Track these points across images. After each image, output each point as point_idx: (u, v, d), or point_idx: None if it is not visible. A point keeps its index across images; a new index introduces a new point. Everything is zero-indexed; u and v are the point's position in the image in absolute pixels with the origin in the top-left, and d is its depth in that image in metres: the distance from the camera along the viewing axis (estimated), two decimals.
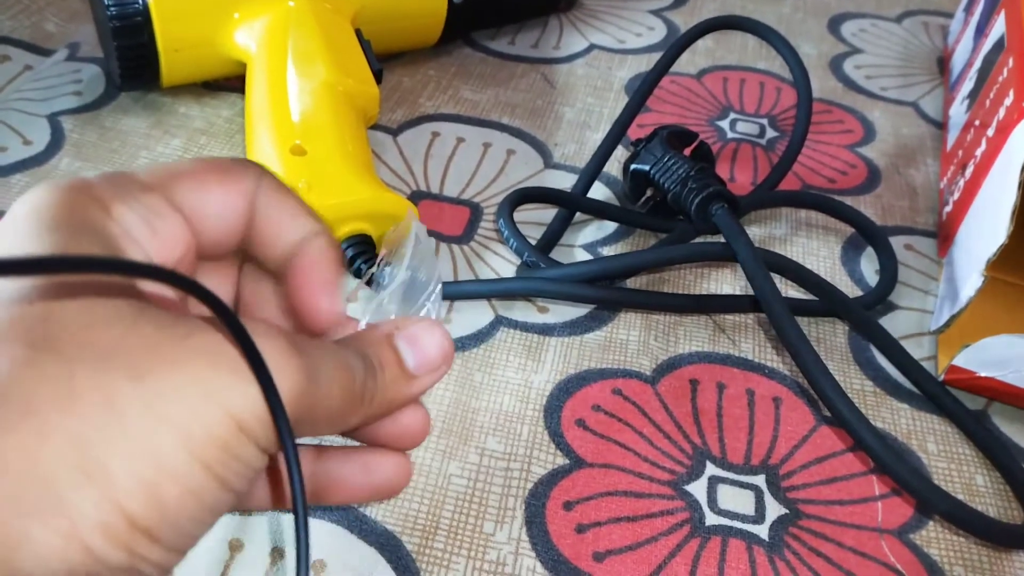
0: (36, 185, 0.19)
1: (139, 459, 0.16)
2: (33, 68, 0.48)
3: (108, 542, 0.15)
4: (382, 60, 0.45)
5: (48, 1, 0.54)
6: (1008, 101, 0.37)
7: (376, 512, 0.30)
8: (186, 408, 0.16)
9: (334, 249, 0.21)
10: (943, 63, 0.54)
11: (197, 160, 0.21)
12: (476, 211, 0.42)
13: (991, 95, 0.41)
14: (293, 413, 0.17)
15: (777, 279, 0.37)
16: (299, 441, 0.18)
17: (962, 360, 0.34)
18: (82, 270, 0.16)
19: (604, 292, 0.35)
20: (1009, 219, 0.32)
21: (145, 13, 0.40)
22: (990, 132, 0.39)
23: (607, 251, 0.40)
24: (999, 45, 0.44)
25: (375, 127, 0.45)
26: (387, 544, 0.29)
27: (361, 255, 0.36)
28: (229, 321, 0.17)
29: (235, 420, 0.16)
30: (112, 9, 0.40)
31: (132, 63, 0.42)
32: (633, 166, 0.38)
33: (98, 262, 0.17)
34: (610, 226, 0.41)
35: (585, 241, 0.40)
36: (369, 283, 0.36)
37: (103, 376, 0.16)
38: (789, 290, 0.38)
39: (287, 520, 0.29)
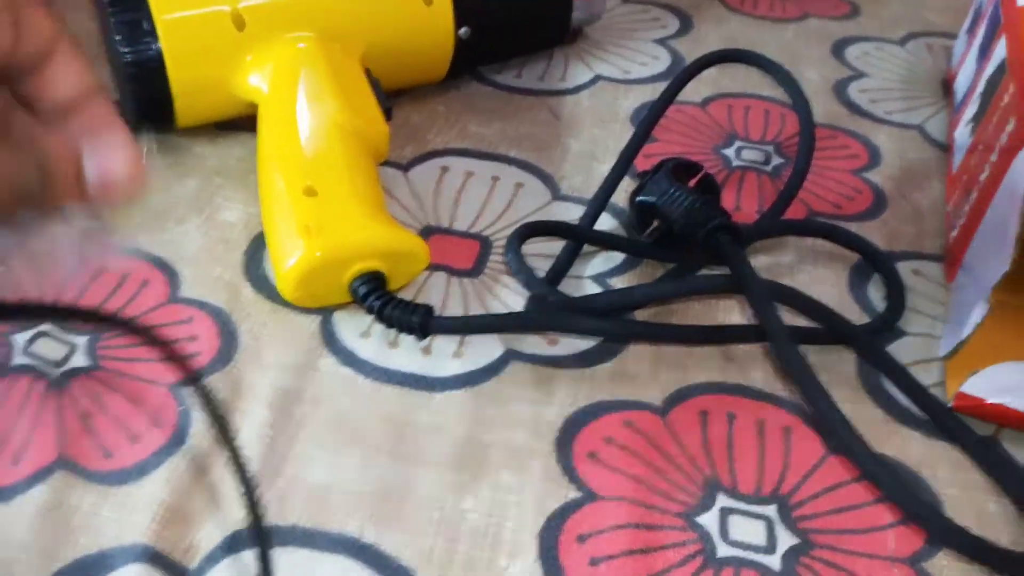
0: None
1: None
2: None
3: None
4: (390, 96, 0.46)
5: None
6: (1010, 127, 0.38)
7: (391, 547, 0.30)
8: None
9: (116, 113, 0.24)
10: (947, 85, 0.55)
11: None
12: (486, 244, 0.42)
13: (994, 119, 0.41)
14: None
15: (786, 308, 0.37)
16: None
17: (970, 387, 0.34)
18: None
19: (613, 325, 0.36)
20: (1013, 246, 0.33)
21: (159, 58, 0.41)
22: (993, 157, 0.39)
23: (615, 282, 0.40)
24: (1001, 68, 0.44)
25: (385, 163, 0.46)
26: None
27: (373, 292, 0.36)
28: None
29: None
30: (128, 56, 0.41)
31: (147, 106, 0.43)
32: (639, 198, 0.39)
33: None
34: (618, 257, 0.42)
35: (593, 272, 0.41)
36: (381, 319, 0.37)
37: None
38: (798, 319, 0.38)
39: (306, 556, 0.30)
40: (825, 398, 0.30)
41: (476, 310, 0.39)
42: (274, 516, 0.31)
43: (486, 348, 0.37)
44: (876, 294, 0.40)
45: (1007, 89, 0.41)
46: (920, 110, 0.53)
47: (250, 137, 0.47)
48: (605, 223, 0.43)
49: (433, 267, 0.41)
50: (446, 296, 0.39)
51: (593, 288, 0.40)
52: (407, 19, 0.46)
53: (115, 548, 0.30)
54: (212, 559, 0.30)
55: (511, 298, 0.39)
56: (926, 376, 0.36)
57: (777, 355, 0.32)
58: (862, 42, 0.59)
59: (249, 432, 0.33)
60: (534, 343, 0.37)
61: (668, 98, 0.44)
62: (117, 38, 0.41)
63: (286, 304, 0.38)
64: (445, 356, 0.37)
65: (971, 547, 0.28)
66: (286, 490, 0.32)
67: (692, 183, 0.39)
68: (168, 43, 0.41)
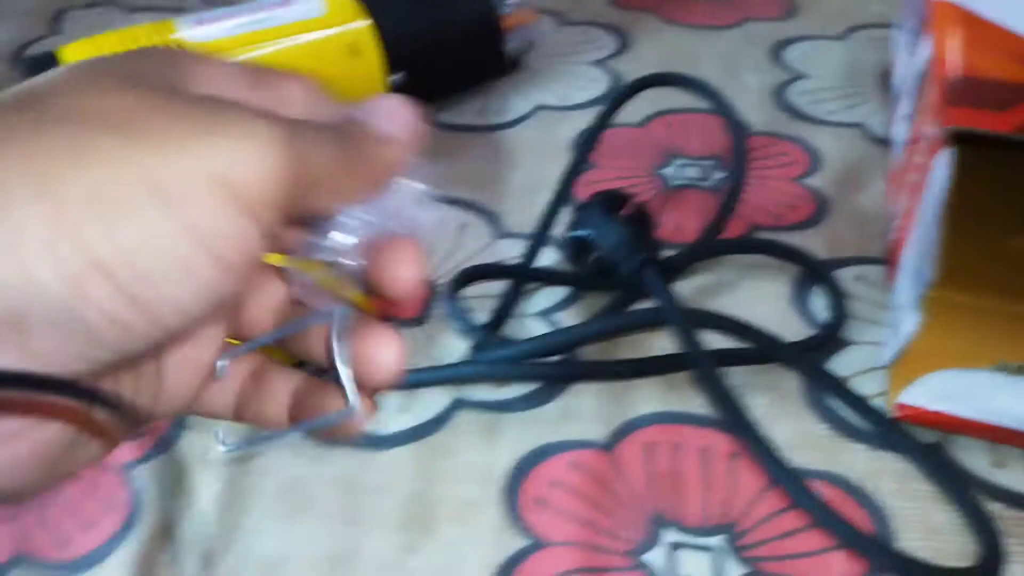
0: None
1: (99, 189, 0.15)
2: None
3: (55, 267, 0.15)
4: None
5: None
6: (931, 130, 0.38)
7: None
8: (159, 159, 0.16)
9: None
10: (886, 79, 0.55)
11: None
12: (432, 291, 0.42)
13: (923, 116, 0.41)
14: (281, 184, 0.17)
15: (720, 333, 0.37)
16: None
17: (910, 396, 0.34)
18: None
19: (551, 369, 0.36)
20: (937, 254, 0.33)
21: None
22: (919, 157, 0.39)
23: (561, 316, 0.41)
24: (927, 66, 0.44)
25: None
26: None
27: None
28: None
29: (213, 178, 0.16)
30: None
31: None
32: (571, 234, 0.39)
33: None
34: (562, 291, 0.42)
35: (539, 308, 0.41)
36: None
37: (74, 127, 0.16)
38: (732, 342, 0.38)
39: None
40: (746, 424, 0.30)
41: (423, 359, 0.39)
42: None
43: (434, 399, 0.37)
44: (820, 305, 0.40)
45: (930, 87, 0.41)
46: (861, 107, 0.53)
47: None
48: (549, 256, 0.44)
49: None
50: None
51: (539, 325, 0.40)
52: (337, 71, 0.47)
53: None
54: None
55: (458, 345, 0.40)
56: (873, 385, 0.36)
57: (701, 383, 0.32)
58: (801, 41, 0.59)
59: (201, 508, 0.34)
60: (481, 389, 0.38)
61: (600, 125, 0.44)
62: None
63: None
64: (392, 410, 0.37)
65: (903, 567, 0.28)
66: (238, 566, 0.32)
67: (623, 214, 0.39)
68: None
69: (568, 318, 0.41)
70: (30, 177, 0.15)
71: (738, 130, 0.43)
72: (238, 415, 0.24)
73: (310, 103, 0.21)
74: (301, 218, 0.20)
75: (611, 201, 0.39)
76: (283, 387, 0.24)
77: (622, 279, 0.37)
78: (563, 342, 0.35)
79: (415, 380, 0.37)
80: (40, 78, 0.17)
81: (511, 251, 0.44)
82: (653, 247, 0.36)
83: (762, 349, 0.36)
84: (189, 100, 0.18)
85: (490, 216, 0.47)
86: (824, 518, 0.28)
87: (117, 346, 0.16)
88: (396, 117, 0.21)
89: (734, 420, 0.30)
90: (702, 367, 0.31)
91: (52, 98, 0.17)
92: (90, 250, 0.15)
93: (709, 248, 0.41)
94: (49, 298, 0.15)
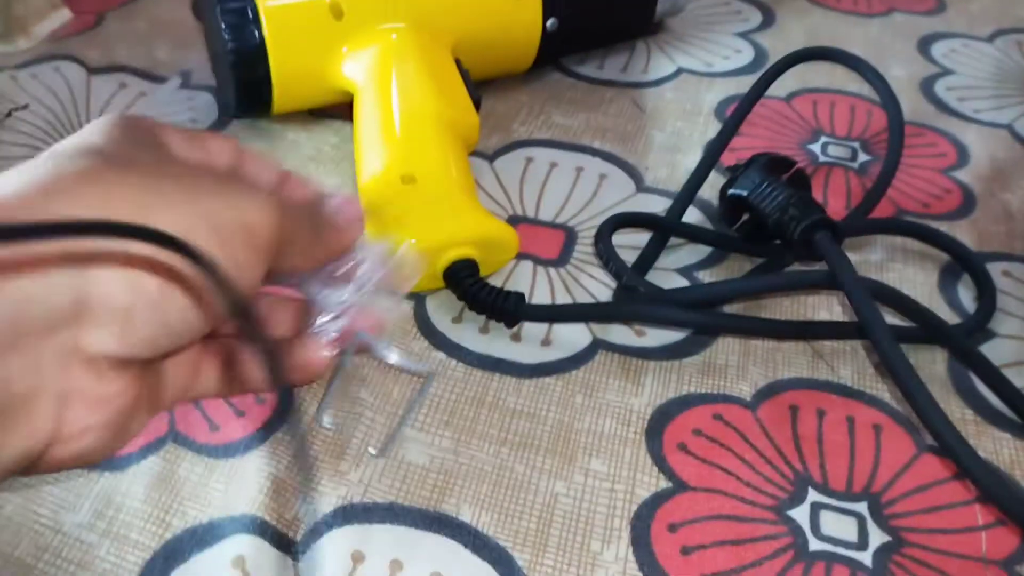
0: None
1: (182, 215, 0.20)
2: (147, 95, 0.51)
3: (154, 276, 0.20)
4: (477, 86, 0.47)
5: (160, 30, 0.57)
6: None
7: (488, 528, 0.31)
8: (212, 206, 0.21)
9: None
10: None
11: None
12: (571, 234, 0.43)
13: None
14: (276, 235, 0.22)
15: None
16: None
17: None
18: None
19: (705, 317, 0.36)
20: None
21: (262, 47, 0.42)
22: None
23: (702, 275, 0.41)
24: None
25: (471, 153, 0.47)
26: (500, 559, 0.30)
27: (467, 279, 0.37)
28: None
29: (241, 222, 0.21)
30: (231, 43, 0.42)
31: (248, 93, 0.44)
32: (730, 191, 0.39)
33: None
34: (704, 250, 0.42)
35: (679, 264, 0.41)
36: (473, 306, 0.37)
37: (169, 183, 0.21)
38: (887, 317, 0.38)
39: (406, 533, 0.31)
40: (926, 395, 0.30)
41: (562, 299, 0.39)
42: (374, 494, 0.32)
43: (574, 337, 0.38)
44: (966, 295, 0.40)
45: None
46: (1009, 108, 0.52)
47: (342, 124, 0.49)
48: (691, 216, 0.44)
49: (520, 256, 0.41)
50: (533, 284, 0.40)
51: (679, 280, 0.40)
52: (497, 10, 0.47)
53: (224, 518, 0.31)
54: (317, 532, 0.31)
55: (597, 288, 0.40)
56: (1018, 378, 0.36)
57: (879, 352, 0.32)
58: (949, 38, 0.58)
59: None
60: (622, 333, 0.38)
61: (757, 94, 0.44)
62: (223, 26, 0.42)
63: None
64: (534, 343, 0.38)
65: None
66: (385, 468, 0.33)
67: (785, 178, 0.39)
68: (271, 31, 0.42)
69: (708, 276, 0.41)
70: (128, 210, 0.20)
71: (896, 112, 0.42)
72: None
73: (233, 157, 0.26)
74: (278, 275, 0.25)
75: (775, 164, 0.39)
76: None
77: (784, 241, 0.37)
78: (720, 293, 0.35)
79: (565, 313, 0.37)
80: (89, 136, 0.22)
81: (650, 206, 0.44)
82: (821, 211, 0.36)
83: (924, 328, 0.35)
84: (207, 168, 0.24)
85: (631, 170, 0.47)
86: (997, 490, 0.28)
87: (179, 338, 0.21)
88: (349, 210, 0.26)
89: (910, 391, 0.30)
90: (881, 338, 0.31)
91: (127, 154, 0.22)
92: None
93: (866, 224, 0.41)
94: (149, 298, 0.20)
